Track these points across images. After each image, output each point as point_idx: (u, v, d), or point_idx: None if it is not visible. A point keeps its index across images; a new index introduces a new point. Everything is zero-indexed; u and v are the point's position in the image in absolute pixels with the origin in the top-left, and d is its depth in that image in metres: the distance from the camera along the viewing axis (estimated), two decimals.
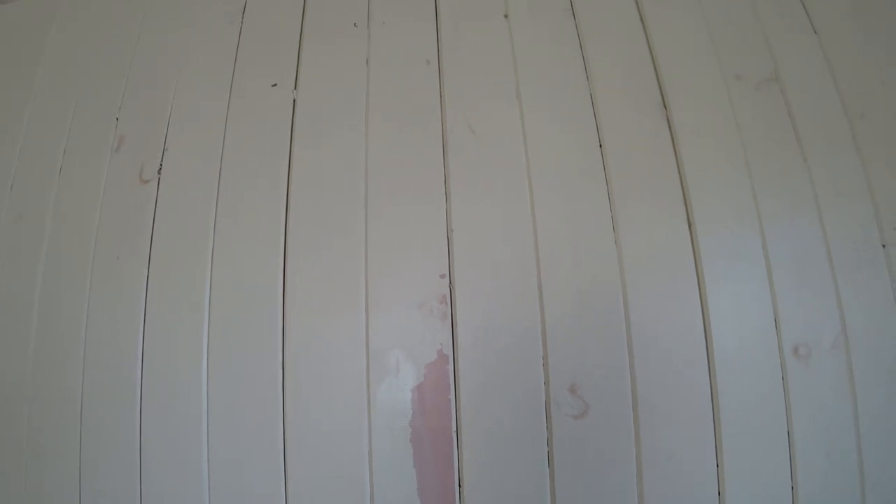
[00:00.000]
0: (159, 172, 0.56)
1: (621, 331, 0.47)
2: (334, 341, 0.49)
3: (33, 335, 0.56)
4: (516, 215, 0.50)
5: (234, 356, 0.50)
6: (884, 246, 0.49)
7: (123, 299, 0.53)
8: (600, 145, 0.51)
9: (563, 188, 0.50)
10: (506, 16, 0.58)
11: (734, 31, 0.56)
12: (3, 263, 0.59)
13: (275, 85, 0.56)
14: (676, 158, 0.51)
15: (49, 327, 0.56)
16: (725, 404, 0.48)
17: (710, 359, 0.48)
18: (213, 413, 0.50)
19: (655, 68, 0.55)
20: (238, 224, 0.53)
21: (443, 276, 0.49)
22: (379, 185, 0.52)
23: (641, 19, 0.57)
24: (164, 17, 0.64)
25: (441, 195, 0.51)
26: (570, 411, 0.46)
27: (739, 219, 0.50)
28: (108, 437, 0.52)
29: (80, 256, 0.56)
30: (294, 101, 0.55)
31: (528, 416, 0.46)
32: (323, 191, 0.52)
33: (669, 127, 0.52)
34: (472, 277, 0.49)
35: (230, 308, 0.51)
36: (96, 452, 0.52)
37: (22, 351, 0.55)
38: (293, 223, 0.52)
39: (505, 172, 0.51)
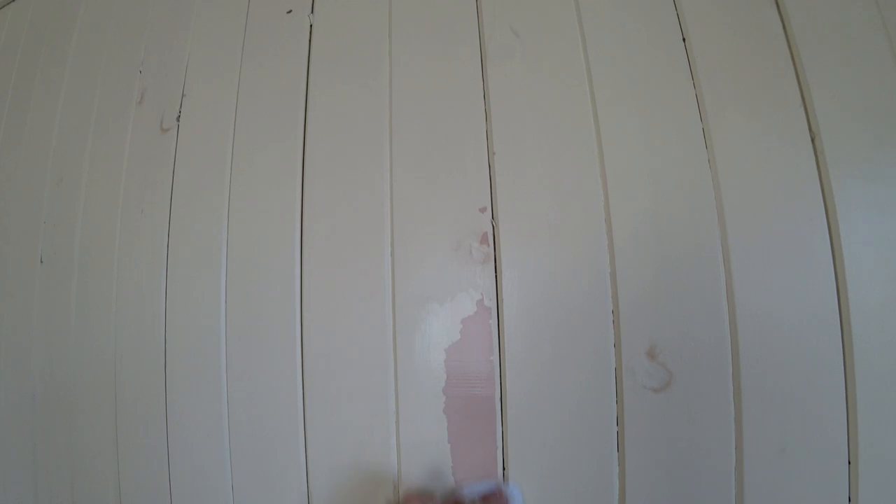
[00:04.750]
0: (178, 120, 0.53)
1: (718, 278, 0.36)
2: (354, 291, 0.42)
3: (74, 294, 0.57)
4: (574, 131, 0.39)
5: (249, 311, 0.46)
6: None
7: (147, 253, 0.52)
8: (683, 39, 0.39)
9: (635, 98, 0.39)
10: None
11: None
12: (49, 225, 0.61)
13: (290, 11, 0.50)
14: (789, 44, 0.37)
15: (86, 285, 0.56)
16: (864, 382, 0.35)
17: (843, 318, 0.35)
18: (231, 378, 0.46)
19: None
20: (253, 168, 0.48)
21: (483, 210, 0.40)
22: (406, 107, 0.43)
23: None
24: None
25: (480, 111, 0.41)
26: (647, 382, 0.36)
27: (884, 126, 0.36)
28: (137, 383, 0.51)
29: (109, 213, 0.56)
30: (311, 25, 0.49)
31: (593, 386, 0.36)
32: (343, 116, 0.45)
33: (778, 7, 0.39)
34: (519, 211, 0.39)
35: (246, 257, 0.47)
36: (129, 403, 0.51)
37: (65, 311, 0.57)
38: (311, 157, 0.46)
39: (558, 81, 0.40)
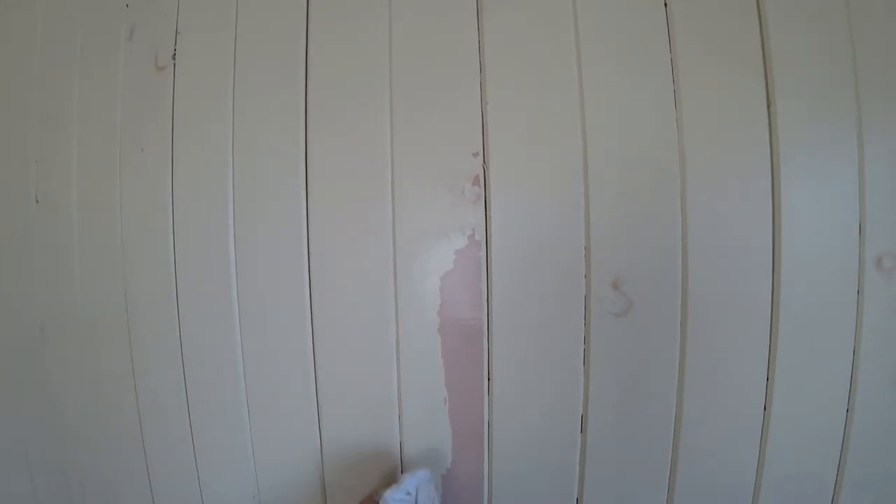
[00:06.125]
0: (174, 58, 0.53)
1: (676, 222, 0.42)
2: (358, 224, 0.46)
3: (76, 233, 0.58)
4: (560, 86, 0.43)
5: (258, 243, 0.49)
6: None
7: (151, 191, 0.53)
8: (665, 4, 0.43)
9: (616, 55, 0.43)
10: None
11: None
12: (41, 164, 0.60)
13: None
14: (760, 22, 0.41)
15: (88, 224, 0.57)
16: (787, 314, 0.42)
17: (775, 262, 0.42)
18: (244, 308, 0.50)
19: None
20: (256, 108, 0.49)
21: (476, 155, 0.44)
22: (405, 57, 0.46)
23: None
24: None
25: (475, 63, 0.44)
26: (611, 308, 0.43)
27: (833, 103, 0.41)
28: (150, 318, 0.54)
29: (107, 152, 0.56)
30: None
31: (565, 310, 0.43)
32: (344, 65, 0.47)
33: None
34: (508, 157, 0.44)
35: (253, 193, 0.49)
36: (145, 344, 0.55)
37: (67, 248, 0.58)
38: (313, 99, 0.48)
39: (548, 36, 0.44)
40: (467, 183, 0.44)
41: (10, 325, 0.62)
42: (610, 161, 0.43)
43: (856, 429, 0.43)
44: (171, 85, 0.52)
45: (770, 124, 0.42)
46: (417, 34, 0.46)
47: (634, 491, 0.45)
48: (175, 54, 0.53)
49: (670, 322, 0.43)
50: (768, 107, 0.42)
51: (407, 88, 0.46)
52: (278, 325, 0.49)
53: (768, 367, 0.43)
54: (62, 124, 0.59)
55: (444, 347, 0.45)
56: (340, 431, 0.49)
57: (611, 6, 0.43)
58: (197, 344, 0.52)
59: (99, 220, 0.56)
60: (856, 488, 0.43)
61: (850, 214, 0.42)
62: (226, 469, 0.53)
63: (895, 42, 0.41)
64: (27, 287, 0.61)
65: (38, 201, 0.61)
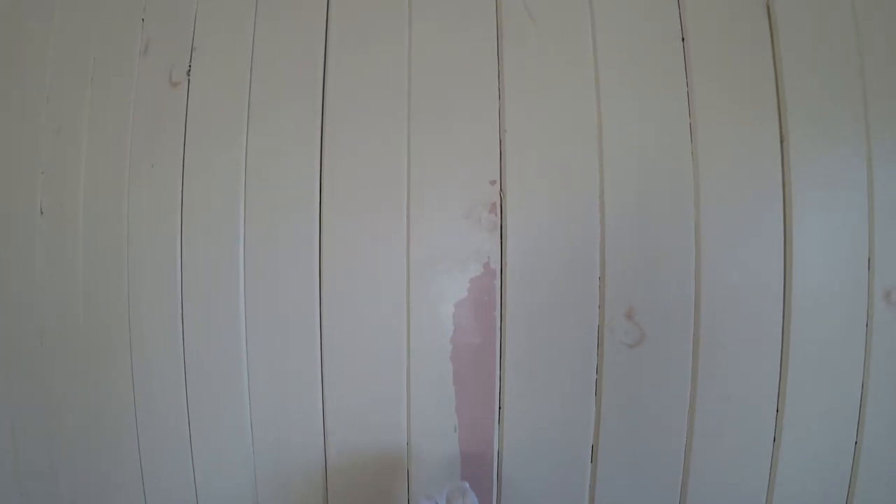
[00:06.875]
0: (188, 74, 0.53)
1: (689, 254, 0.42)
2: (372, 250, 0.46)
3: (81, 245, 0.57)
4: (579, 116, 0.44)
5: (268, 263, 0.49)
6: None
7: (159, 206, 0.53)
8: (682, 38, 0.43)
9: (633, 88, 0.43)
10: None
11: None
12: (48, 175, 0.60)
13: None
14: (774, 59, 0.42)
15: (94, 237, 0.56)
16: (796, 347, 0.43)
17: (786, 294, 0.42)
18: (251, 326, 0.50)
19: None
20: (270, 127, 0.49)
21: (493, 183, 0.44)
22: (424, 82, 0.46)
23: None
24: None
25: (493, 91, 0.45)
26: (624, 338, 0.43)
27: (843, 138, 0.42)
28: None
29: (116, 165, 0.56)
30: None
31: (579, 340, 0.43)
32: (362, 88, 0.47)
33: (770, 20, 0.43)
34: (525, 185, 0.44)
35: (265, 213, 0.49)
36: (147, 358, 0.54)
37: (72, 260, 0.57)
38: (329, 122, 0.48)
39: (568, 66, 0.44)
40: (484, 211, 0.44)
41: (9, 334, 0.61)
42: (625, 192, 0.43)
43: (864, 461, 0.43)
44: (185, 101, 0.52)
45: (783, 159, 0.42)
46: (437, 60, 0.46)
47: None
48: (190, 70, 0.53)
49: (682, 354, 0.43)
50: (781, 142, 0.43)
51: (425, 114, 0.46)
52: (287, 344, 0.48)
53: (778, 399, 0.43)
54: (73, 136, 0.59)
55: (455, 374, 0.45)
56: (347, 455, 0.48)
57: (629, 38, 0.44)
58: (201, 360, 0.51)
59: (104, 232, 0.55)
60: None
61: (860, 249, 0.42)
62: (227, 489, 0.52)
63: None
64: (28, 297, 0.60)
65: (42, 212, 0.60)
